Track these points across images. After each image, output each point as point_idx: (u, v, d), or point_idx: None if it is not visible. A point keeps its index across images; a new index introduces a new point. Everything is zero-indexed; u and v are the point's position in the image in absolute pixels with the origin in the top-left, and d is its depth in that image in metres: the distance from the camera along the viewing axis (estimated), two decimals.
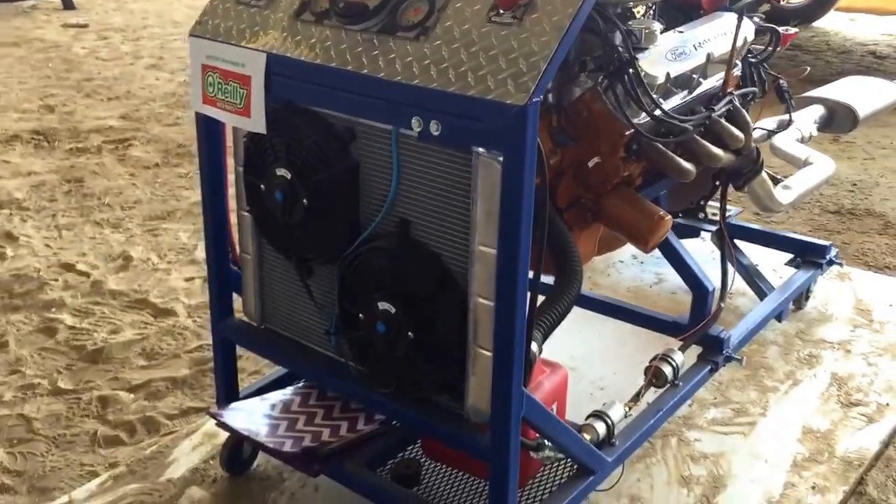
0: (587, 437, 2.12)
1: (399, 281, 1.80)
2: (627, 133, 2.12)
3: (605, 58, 2.06)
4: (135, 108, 5.51)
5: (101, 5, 8.26)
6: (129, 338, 3.15)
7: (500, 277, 1.64)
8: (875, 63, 6.35)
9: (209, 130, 2.06)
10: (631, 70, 2.03)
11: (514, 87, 1.52)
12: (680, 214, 2.94)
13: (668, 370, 2.34)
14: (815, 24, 7.33)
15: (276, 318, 2.19)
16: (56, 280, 3.54)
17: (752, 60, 2.54)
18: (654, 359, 2.37)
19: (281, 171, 1.92)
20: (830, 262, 3.01)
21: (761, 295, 2.94)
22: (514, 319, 1.64)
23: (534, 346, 1.88)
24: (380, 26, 1.75)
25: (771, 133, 2.98)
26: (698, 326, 2.49)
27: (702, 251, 3.16)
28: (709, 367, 2.46)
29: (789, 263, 3.08)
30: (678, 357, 2.36)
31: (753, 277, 3.02)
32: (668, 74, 2.14)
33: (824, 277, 3.22)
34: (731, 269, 2.59)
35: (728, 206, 3.04)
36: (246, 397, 2.37)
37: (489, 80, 1.55)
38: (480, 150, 1.64)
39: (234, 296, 2.31)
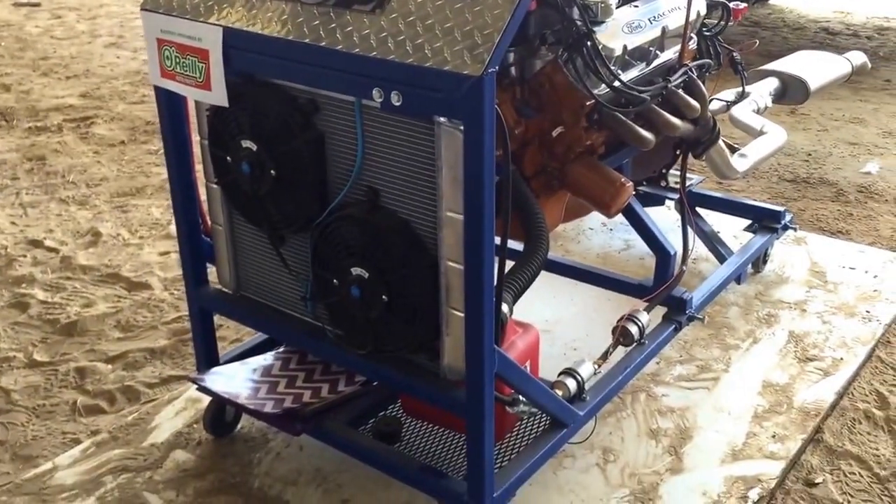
0: (559, 392, 2.21)
1: (371, 247, 1.87)
2: (588, 103, 2.19)
3: (563, 31, 2.14)
4: (95, 87, 5.48)
5: None
6: (102, 311, 3.18)
7: (467, 241, 1.71)
8: (828, 39, 6.51)
9: (170, 103, 2.10)
10: (589, 43, 2.11)
11: (469, 58, 1.58)
12: (644, 183, 3.04)
13: (634, 329, 2.44)
14: (772, 1, 7.48)
15: (252, 285, 2.25)
16: (24, 256, 3.55)
17: (707, 34, 2.63)
18: (621, 319, 2.47)
19: (246, 144, 1.97)
20: (785, 227, 3.13)
21: (721, 259, 3.04)
22: (483, 281, 1.71)
23: (504, 308, 1.96)
24: (335, 0, 1.79)
25: (728, 104, 3.09)
26: (662, 288, 2.59)
27: (666, 218, 3.28)
28: (673, 326, 2.57)
29: (747, 229, 3.19)
30: (643, 317, 2.46)
31: (713, 242, 3.13)
32: (625, 47, 2.23)
33: (781, 242, 3.35)
34: (691, 234, 2.69)
35: (689, 175, 3.15)
36: (227, 363, 2.43)
37: (446, 52, 1.61)
38: (442, 119, 1.71)
39: (210, 267, 2.36)
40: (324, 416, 2.21)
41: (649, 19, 2.34)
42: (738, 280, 3.00)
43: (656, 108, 2.35)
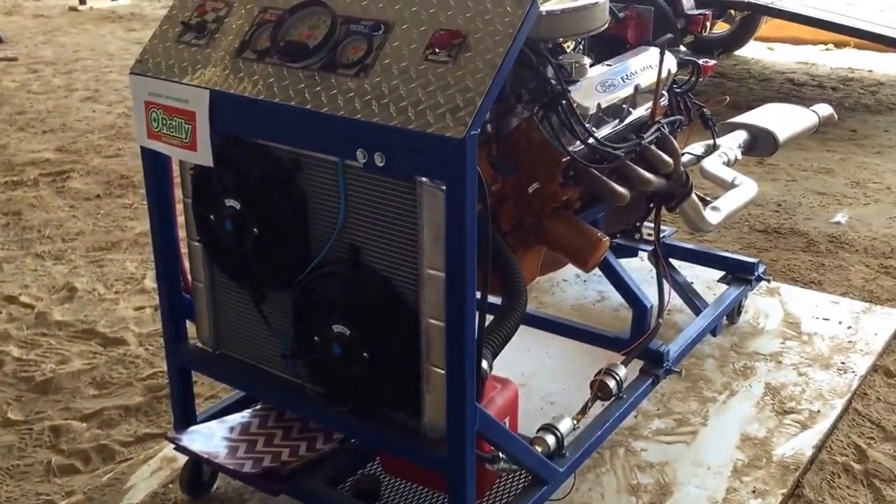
0: (539, 449, 2.21)
1: (352, 305, 1.88)
2: (564, 160, 2.23)
3: (538, 90, 2.19)
4: (72, 141, 5.49)
5: (30, 39, 8.19)
6: (78, 368, 3.15)
7: (449, 299, 1.73)
8: (794, 90, 6.64)
9: (155, 163, 2.12)
10: (564, 101, 2.16)
11: (452, 120, 1.62)
12: (618, 235, 3.07)
13: (612, 383, 2.45)
14: (737, 52, 7.64)
15: (232, 343, 2.25)
16: (1, 310, 3.52)
17: (677, 90, 2.69)
18: (599, 373, 2.48)
19: (230, 202, 1.99)
20: (759, 279, 3.17)
21: (696, 311, 3.07)
22: (465, 338, 1.73)
23: (484, 364, 1.97)
24: (320, 64, 1.83)
25: (699, 157, 3.14)
26: (639, 341, 2.61)
27: (640, 270, 3.31)
28: (650, 379, 2.58)
29: (721, 280, 3.23)
30: (621, 371, 2.48)
31: (688, 294, 3.16)
32: (598, 105, 2.27)
33: (755, 293, 3.38)
34: (666, 286, 2.72)
35: (663, 227, 3.19)
36: (203, 421, 2.41)
37: (428, 115, 1.65)
38: (424, 179, 1.74)
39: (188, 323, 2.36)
40: (302, 476, 2.19)
41: (622, 78, 2.39)
42: (714, 332, 3.02)
43: (630, 163, 2.39)
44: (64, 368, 3.15)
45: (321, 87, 1.79)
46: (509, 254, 2.24)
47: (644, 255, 3.29)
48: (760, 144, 3.54)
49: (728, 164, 3.36)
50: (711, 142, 3.51)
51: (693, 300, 3.11)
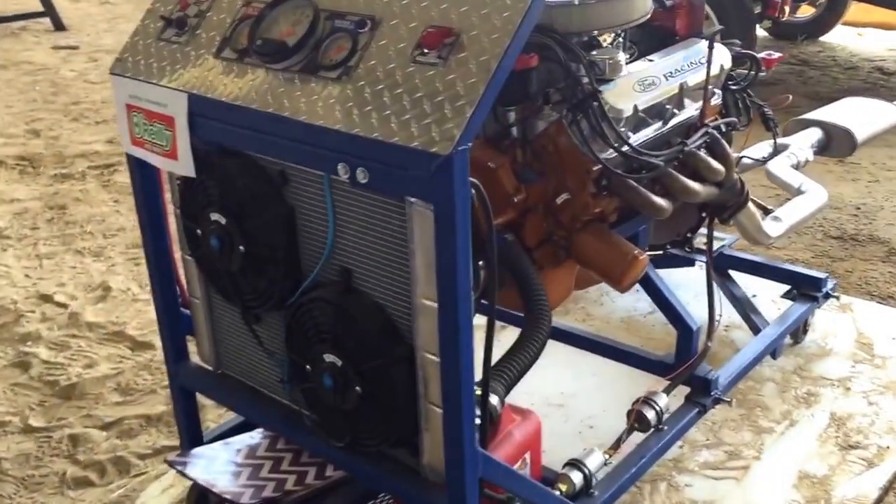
0: (563, 488, 2.02)
1: (343, 333, 1.70)
2: (595, 168, 2.02)
3: (567, 90, 1.97)
4: None
5: (93, 26, 8.15)
6: (104, 372, 3.06)
7: (441, 333, 1.54)
8: (881, 80, 6.21)
9: (142, 171, 1.96)
10: (594, 103, 1.94)
11: (438, 134, 1.41)
12: (668, 246, 2.83)
13: (650, 414, 2.23)
14: (823, 38, 7.20)
15: (232, 363, 2.09)
16: (33, 312, 3.46)
17: (733, 88, 2.44)
18: (637, 402, 2.26)
19: (215, 216, 1.82)
20: (827, 296, 2.89)
21: (755, 329, 2.83)
22: (461, 377, 1.53)
23: (494, 400, 1.78)
24: (301, 65, 1.64)
25: (762, 160, 2.88)
26: (683, 367, 2.38)
27: (699, 281, 3.04)
28: (696, 409, 2.35)
29: (785, 296, 2.96)
30: (662, 400, 2.26)
31: (747, 311, 2.91)
32: (635, 107, 2.05)
33: (824, 309, 3.10)
34: (719, 305, 2.48)
35: (721, 235, 2.94)
36: (213, 440, 2.28)
37: (413, 127, 1.44)
38: (413, 199, 1.54)
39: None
40: None
41: (665, 75, 2.16)
42: (774, 354, 2.76)
43: (673, 172, 2.16)
44: (90, 373, 3.06)
45: (301, 92, 1.60)
46: (531, 272, 2.04)
47: (701, 263, 3.04)
48: (836, 144, 3.25)
49: (797, 166, 3.09)
50: (783, 141, 3.26)
51: (752, 318, 2.87)
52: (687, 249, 2.77)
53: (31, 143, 5.27)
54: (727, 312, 3.06)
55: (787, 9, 5.26)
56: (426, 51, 1.52)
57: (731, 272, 3.08)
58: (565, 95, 2.00)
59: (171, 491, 2.43)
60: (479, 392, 1.78)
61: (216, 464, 2.14)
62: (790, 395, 2.72)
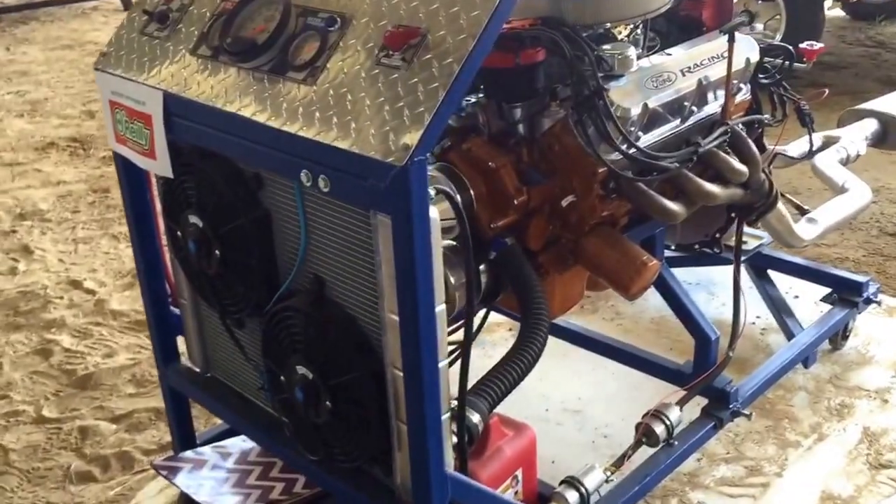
0: None
1: (314, 345, 1.61)
2: (601, 170, 1.89)
3: (573, 87, 1.85)
4: None
5: None
6: (121, 363, 3.05)
7: (403, 348, 1.44)
8: None
9: (129, 169, 1.90)
10: (600, 101, 1.81)
11: (395, 143, 1.32)
12: (696, 247, 2.68)
13: (659, 429, 2.11)
14: None
15: (219, 366, 2.03)
16: (61, 298, 3.47)
17: (765, 82, 2.27)
18: (647, 414, 2.14)
19: (193, 219, 1.75)
20: (868, 301, 2.70)
21: (788, 335, 2.67)
22: (423, 395, 1.44)
23: (476, 418, 1.68)
24: (271, 65, 1.55)
25: (803, 156, 2.71)
26: (699, 379, 2.24)
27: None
28: (712, 423, 2.22)
29: (825, 299, 2.78)
30: (673, 413, 2.13)
31: (782, 314, 2.75)
32: (645, 105, 1.90)
33: (869, 312, 2.92)
34: (744, 311, 2.32)
35: (760, 233, 2.76)
36: (206, 442, 2.22)
37: (371, 134, 1.35)
38: None
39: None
40: None
41: (682, 71, 2.02)
42: (806, 363, 2.60)
43: (688, 174, 2.02)
44: (107, 363, 3.05)
45: (269, 94, 1.51)
46: (532, 280, 1.93)
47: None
48: (893, 137, 3.05)
49: (847, 160, 2.90)
50: (834, 133, 3.08)
51: (786, 322, 2.70)
52: (716, 250, 2.61)
53: (84, 124, 5.31)
54: (765, 314, 2.90)
55: None
56: (391, 52, 1.43)
57: (771, 272, 2.92)
58: (571, 92, 1.87)
59: (168, 491, 2.37)
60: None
61: (203, 469, 2.09)
62: (822, 407, 2.56)
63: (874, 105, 3.11)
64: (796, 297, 3.00)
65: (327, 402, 1.62)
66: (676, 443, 2.13)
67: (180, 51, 1.72)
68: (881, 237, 3.61)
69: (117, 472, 2.54)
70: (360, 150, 1.35)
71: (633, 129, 1.93)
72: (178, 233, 1.84)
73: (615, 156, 1.88)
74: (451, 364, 2.23)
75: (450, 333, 2.35)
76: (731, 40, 2.01)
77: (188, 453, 2.16)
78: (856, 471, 2.32)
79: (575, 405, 2.62)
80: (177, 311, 2.09)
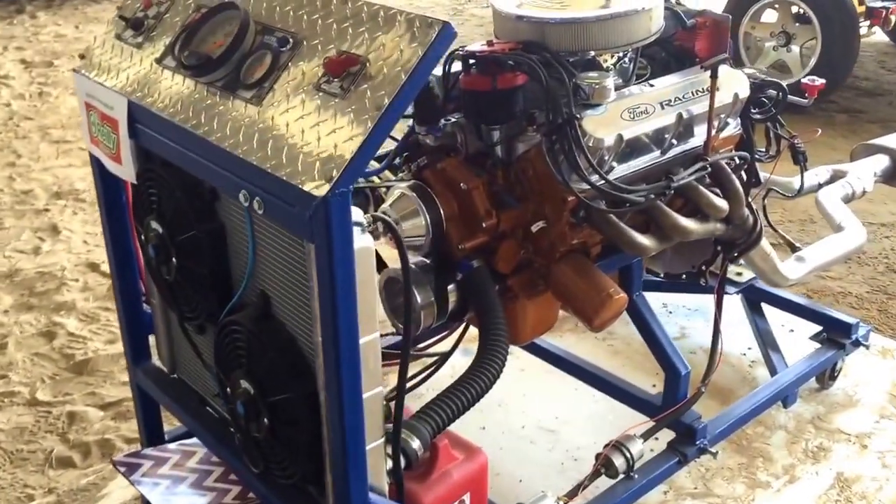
0: None
1: (255, 362, 1.64)
2: (572, 198, 1.89)
3: (547, 113, 1.85)
4: None
5: None
6: (120, 350, 3.06)
7: (327, 376, 1.46)
8: None
9: (102, 169, 1.93)
10: (571, 130, 1.81)
11: (321, 173, 1.33)
12: (683, 277, 2.66)
13: (619, 461, 2.10)
14: None
15: (184, 369, 2.06)
16: (77, 281, 3.55)
17: (757, 118, 2.25)
18: (608, 445, 2.13)
19: (154, 224, 1.79)
20: (857, 343, 2.66)
21: (772, 371, 2.64)
22: (344, 423, 1.45)
23: (416, 444, 1.69)
24: (224, 81, 1.58)
25: (821, 184, 2.70)
26: (667, 412, 2.23)
27: (733, 310, 2.91)
28: (676, 458, 2.21)
29: (814, 338, 2.74)
30: (635, 446, 2.12)
31: (768, 349, 2.72)
32: (619, 136, 1.90)
33: (863, 353, 2.88)
34: (721, 347, 2.31)
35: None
36: (175, 439, 2.26)
37: (300, 162, 1.36)
38: None
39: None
40: None
41: (662, 104, 2.00)
42: (785, 403, 2.57)
43: (662, 207, 2.01)
44: (107, 350, 3.12)
45: (218, 111, 1.54)
46: (494, 304, 1.94)
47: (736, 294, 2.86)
48: None
49: (851, 196, 2.87)
50: (837, 168, 3.04)
51: (771, 357, 2.67)
52: (702, 282, 2.59)
53: None
54: (756, 346, 2.87)
55: (893, 18, 4.89)
56: (331, 78, 1.44)
57: (765, 306, 2.89)
58: (545, 119, 1.88)
59: None
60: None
61: (164, 467, 2.12)
62: (799, 448, 2.52)
63: (887, 141, 3.07)
64: (791, 331, 2.96)
65: (265, 419, 1.64)
66: (637, 476, 2.12)
67: (149, 59, 1.75)
68: (887, 274, 3.55)
69: (96, 460, 2.60)
70: (287, 178, 1.37)
71: (606, 159, 1.93)
72: (142, 237, 1.87)
73: (584, 185, 1.88)
74: (424, 380, 2.29)
75: (424, 349, 2.41)
76: (714, 76, 1.99)
77: (151, 450, 2.19)
78: None
79: (551, 424, 2.62)
80: (149, 310, 2.13)
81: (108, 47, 1.86)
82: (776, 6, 5.17)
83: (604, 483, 2.13)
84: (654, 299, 3.15)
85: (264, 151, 1.42)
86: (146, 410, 2.22)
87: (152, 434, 2.24)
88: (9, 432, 2.72)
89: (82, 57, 1.86)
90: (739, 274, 2.80)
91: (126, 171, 1.78)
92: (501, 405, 2.72)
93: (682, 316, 3.14)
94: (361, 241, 1.41)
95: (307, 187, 1.33)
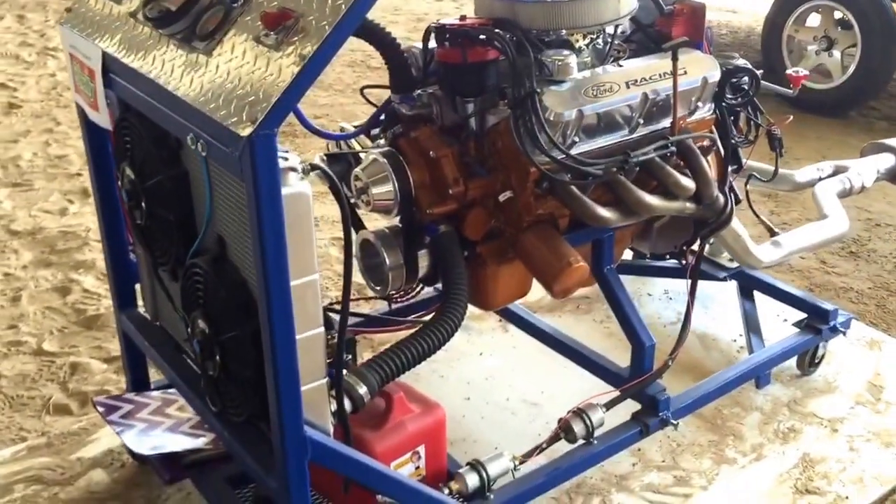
0: (453, 487, 1.99)
1: (210, 301, 1.74)
2: (534, 170, 1.96)
3: (512, 88, 1.92)
4: None
5: None
6: None
7: (262, 315, 1.55)
8: None
9: (87, 118, 2.04)
10: (531, 104, 1.88)
11: (248, 115, 1.43)
12: (667, 257, 2.72)
13: (578, 427, 2.17)
14: None
15: (164, 316, 2.17)
16: (98, 241, 3.65)
17: (731, 103, 2.29)
18: (570, 411, 2.20)
19: (128, 171, 1.90)
20: (834, 329, 2.68)
21: (750, 353, 2.67)
22: (276, 357, 1.55)
23: (362, 389, 1.78)
24: (182, 34, 1.70)
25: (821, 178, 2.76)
26: (632, 383, 2.28)
27: (731, 297, 2.98)
28: (638, 428, 2.26)
29: (797, 324, 2.77)
30: (596, 414, 2.19)
31: (750, 332, 2.76)
32: (580, 112, 1.96)
33: (852, 343, 2.90)
34: (693, 323, 2.37)
35: None
36: (162, 388, 2.36)
37: (234, 106, 1.47)
38: None
39: None
40: (203, 469, 2.09)
41: (627, 83, 2.06)
42: (758, 383, 2.60)
43: (625, 182, 2.07)
44: None
45: (173, 60, 1.67)
46: (457, 268, 2.02)
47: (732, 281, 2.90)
48: None
49: (848, 191, 2.90)
50: (840, 163, 3.07)
51: (751, 340, 2.71)
52: (683, 262, 2.64)
53: None
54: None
55: None
56: (269, 32, 1.55)
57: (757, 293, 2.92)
58: (510, 93, 1.95)
59: None
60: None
61: (142, 412, 2.21)
62: (770, 428, 2.56)
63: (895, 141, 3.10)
64: (785, 320, 2.97)
65: (217, 357, 1.74)
66: (596, 442, 2.18)
67: (124, 13, 1.88)
68: (894, 273, 3.54)
69: (91, 409, 2.71)
70: (221, 120, 1.47)
71: (568, 133, 1.99)
72: (119, 183, 1.98)
73: (545, 157, 1.95)
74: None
75: (400, 314, 2.49)
76: (675, 58, 2.05)
77: (133, 395, 2.29)
78: (780, 493, 2.33)
79: (535, 398, 2.68)
80: (135, 258, 2.23)
81: (91, 2, 1.99)
82: (819, 10, 5.17)
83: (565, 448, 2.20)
84: (659, 284, 3.23)
85: (207, 97, 1.54)
86: (131, 357, 2.33)
87: (137, 380, 2.35)
88: (11, 378, 2.84)
89: (68, 11, 2.00)
90: (731, 260, 2.85)
91: (102, 118, 1.90)
92: (489, 378, 2.79)
93: (682, 302, 3.09)
94: (297, 185, 1.51)
95: (236, 129, 1.43)
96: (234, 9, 1.64)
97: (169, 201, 1.83)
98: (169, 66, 1.66)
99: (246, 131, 1.40)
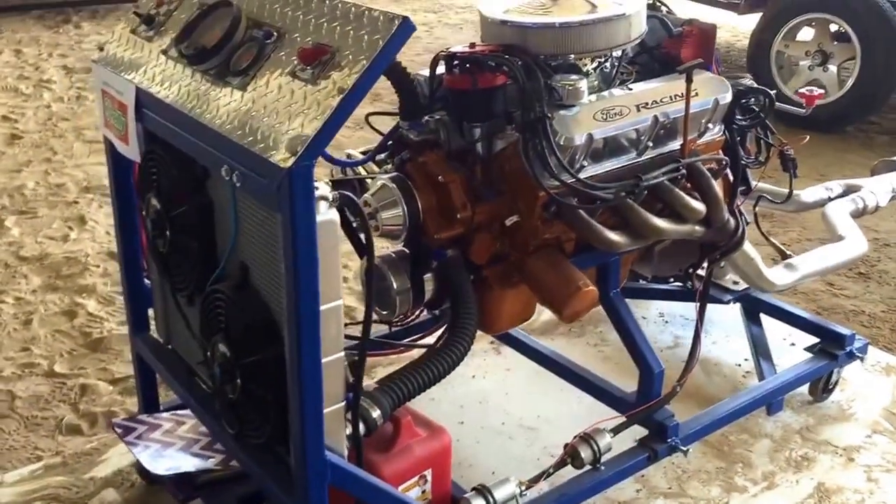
0: None
1: (232, 326, 1.77)
2: (542, 194, 1.96)
3: (521, 113, 1.93)
4: None
5: None
6: None
7: (289, 339, 1.59)
8: None
9: (115, 151, 2.11)
10: (541, 128, 1.89)
11: (287, 147, 1.48)
12: (671, 280, 2.71)
13: (586, 452, 2.15)
14: None
15: (177, 340, 2.19)
16: (98, 267, 3.70)
17: (743, 124, 2.29)
18: (577, 436, 2.19)
19: (154, 201, 1.96)
20: (851, 355, 2.66)
21: (761, 378, 2.66)
22: (303, 381, 1.58)
23: (375, 413, 1.78)
24: (216, 70, 1.75)
25: (832, 198, 2.75)
26: (640, 409, 2.27)
27: (735, 320, 2.97)
28: (646, 454, 2.24)
29: (810, 349, 2.75)
30: (603, 439, 2.17)
31: (759, 357, 2.74)
32: (590, 136, 1.96)
33: (866, 369, 2.88)
34: (701, 348, 2.35)
35: None
36: (171, 409, 2.37)
37: (271, 138, 1.52)
38: None
39: None
40: (215, 489, 2.10)
41: (637, 106, 2.06)
42: (769, 410, 2.59)
43: (634, 206, 2.07)
44: (120, 330, 3.25)
45: (210, 95, 1.72)
46: (466, 292, 2.03)
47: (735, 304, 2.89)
48: None
49: (861, 211, 2.89)
50: (852, 182, 3.06)
51: (762, 366, 2.69)
52: (688, 285, 2.63)
53: None
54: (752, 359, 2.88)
55: None
56: (304, 66, 1.59)
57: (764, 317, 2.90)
58: (520, 117, 1.96)
59: None
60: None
61: (156, 433, 2.24)
62: (782, 456, 2.53)
63: None
64: (792, 344, 2.96)
65: (238, 380, 1.76)
66: (604, 468, 2.17)
67: (157, 50, 1.94)
68: None
69: (101, 429, 2.73)
70: (260, 152, 1.51)
71: (577, 157, 2.00)
72: (144, 212, 2.01)
73: (555, 182, 1.95)
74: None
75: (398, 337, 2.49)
76: (689, 80, 2.05)
77: (146, 417, 2.31)
78: None
79: (532, 422, 2.67)
80: (150, 284, 2.26)
81: (123, 41, 2.06)
82: (813, 24, 5.12)
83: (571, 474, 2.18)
84: (654, 306, 3.22)
85: (243, 130, 1.58)
86: (144, 378, 2.36)
87: (148, 402, 2.37)
88: (26, 399, 2.87)
89: (101, 49, 2.07)
90: (736, 283, 2.84)
91: (132, 150, 1.97)
92: (482, 402, 2.77)
93: (679, 325, 3.16)
94: (327, 214, 1.55)
95: (275, 160, 1.47)
96: (268, 45, 1.70)
97: (193, 230, 1.88)
98: (203, 100, 1.71)
99: (287, 163, 1.45)
